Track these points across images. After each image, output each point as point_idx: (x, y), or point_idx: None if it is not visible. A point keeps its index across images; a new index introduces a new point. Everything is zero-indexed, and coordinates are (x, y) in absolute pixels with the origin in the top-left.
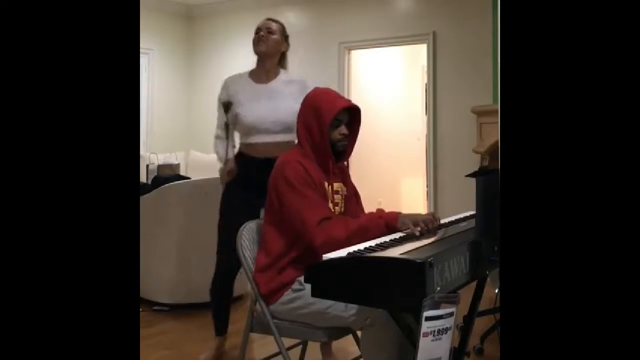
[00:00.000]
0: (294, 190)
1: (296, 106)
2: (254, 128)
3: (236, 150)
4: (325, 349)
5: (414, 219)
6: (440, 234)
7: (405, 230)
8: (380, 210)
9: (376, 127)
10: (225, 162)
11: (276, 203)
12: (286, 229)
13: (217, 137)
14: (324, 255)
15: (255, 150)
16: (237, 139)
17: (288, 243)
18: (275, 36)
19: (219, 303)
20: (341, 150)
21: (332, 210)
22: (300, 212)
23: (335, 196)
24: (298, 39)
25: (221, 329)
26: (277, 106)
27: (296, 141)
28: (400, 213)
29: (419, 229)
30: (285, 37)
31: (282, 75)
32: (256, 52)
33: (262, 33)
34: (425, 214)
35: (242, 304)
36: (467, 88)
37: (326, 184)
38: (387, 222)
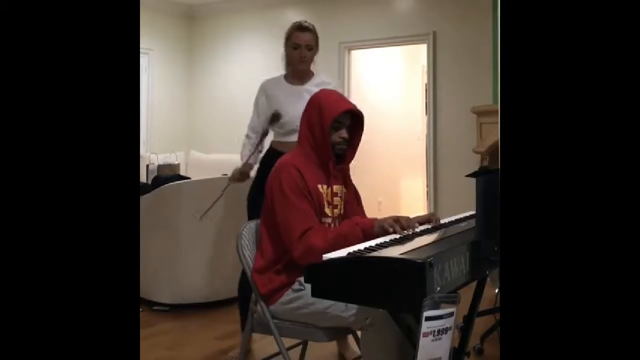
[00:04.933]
0: (285, 198)
1: None
2: (294, 128)
3: (262, 154)
4: (342, 342)
5: (389, 221)
6: (440, 234)
7: (381, 233)
8: (358, 217)
9: (376, 127)
10: (245, 164)
11: (270, 206)
12: (277, 236)
13: (247, 136)
14: (324, 256)
15: (289, 148)
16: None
17: (281, 248)
18: (313, 51)
19: (245, 299)
20: (340, 153)
21: (332, 212)
22: (287, 222)
23: (335, 198)
24: None
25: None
26: None
27: None
28: (376, 219)
29: (392, 229)
30: (317, 42)
31: (316, 78)
32: (296, 69)
33: (303, 53)
34: (425, 214)
35: None
36: (467, 88)
37: (325, 186)
38: (364, 228)
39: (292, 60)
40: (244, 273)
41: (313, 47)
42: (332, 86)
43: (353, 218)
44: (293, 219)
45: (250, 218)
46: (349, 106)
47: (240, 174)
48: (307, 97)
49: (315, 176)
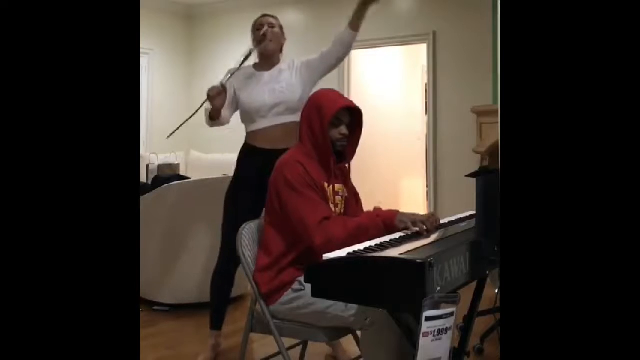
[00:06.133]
0: (294, 190)
1: (294, 82)
2: (258, 112)
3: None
4: (334, 347)
5: (413, 218)
6: (440, 234)
7: (402, 228)
8: (378, 209)
9: (376, 127)
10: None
11: (276, 203)
12: (286, 230)
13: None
14: (324, 255)
15: (261, 137)
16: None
17: (288, 244)
18: (276, 29)
19: (218, 297)
20: (340, 150)
21: (334, 210)
22: (300, 212)
23: (336, 197)
24: (298, 39)
25: (217, 323)
26: (277, 88)
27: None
28: (398, 211)
29: (418, 228)
30: (282, 30)
31: (282, 64)
32: (264, 50)
33: (266, 29)
34: (425, 214)
35: (242, 304)
36: (467, 88)
37: (327, 185)
38: (385, 220)
39: (258, 42)
40: (217, 272)
41: (276, 26)
42: (291, 62)
43: (374, 210)
44: (306, 207)
45: (228, 219)
46: (347, 103)
47: (214, 91)
48: (268, 82)
49: (318, 174)
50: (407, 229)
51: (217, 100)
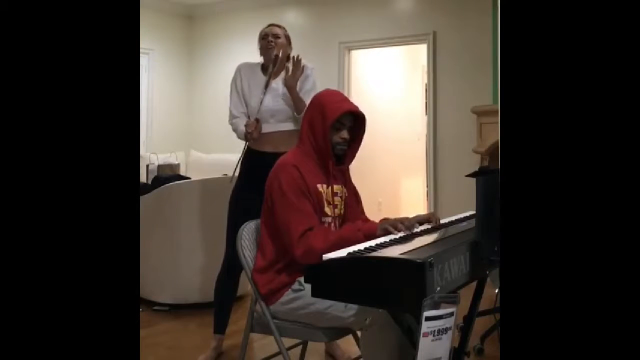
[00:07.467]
0: (285, 198)
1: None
2: (262, 118)
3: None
4: (330, 344)
5: (393, 222)
6: (440, 234)
7: (384, 235)
8: (361, 222)
9: (376, 127)
10: (246, 125)
11: (270, 206)
12: (278, 234)
13: (233, 117)
14: (324, 256)
15: (263, 141)
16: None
17: (281, 247)
18: (281, 40)
19: (222, 300)
20: (340, 154)
21: (332, 212)
22: (286, 221)
23: (335, 198)
24: (298, 39)
25: (221, 327)
26: (281, 95)
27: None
28: (378, 223)
29: (400, 233)
30: (288, 39)
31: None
32: (268, 58)
33: (270, 39)
34: (425, 214)
35: (242, 304)
36: (467, 88)
37: (325, 186)
38: (366, 233)
39: (263, 50)
40: (221, 275)
41: (281, 37)
42: (309, 70)
43: (356, 223)
44: (293, 218)
45: (232, 223)
46: (351, 107)
47: (250, 126)
48: (274, 88)
49: (315, 175)
50: (388, 234)
51: (254, 133)
